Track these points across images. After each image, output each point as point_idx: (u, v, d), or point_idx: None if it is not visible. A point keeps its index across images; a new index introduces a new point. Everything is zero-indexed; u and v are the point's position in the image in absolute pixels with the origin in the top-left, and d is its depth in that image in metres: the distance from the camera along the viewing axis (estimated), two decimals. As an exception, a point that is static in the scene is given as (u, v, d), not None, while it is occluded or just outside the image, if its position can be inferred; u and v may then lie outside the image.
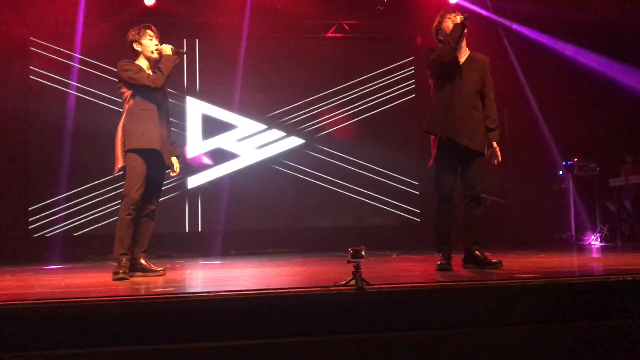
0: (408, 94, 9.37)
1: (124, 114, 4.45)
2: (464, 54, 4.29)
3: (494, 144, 4.25)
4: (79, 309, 2.79)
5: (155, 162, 4.43)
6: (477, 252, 4.15)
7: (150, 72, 4.47)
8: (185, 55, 8.65)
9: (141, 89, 4.39)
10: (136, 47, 4.51)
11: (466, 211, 4.23)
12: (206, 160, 8.56)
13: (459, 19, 4.20)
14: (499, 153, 4.26)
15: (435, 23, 4.34)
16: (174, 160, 4.62)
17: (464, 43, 4.29)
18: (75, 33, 8.42)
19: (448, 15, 4.29)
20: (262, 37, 9.04)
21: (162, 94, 4.55)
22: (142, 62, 4.51)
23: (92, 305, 2.82)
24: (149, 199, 4.51)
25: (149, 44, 4.50)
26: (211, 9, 8.63)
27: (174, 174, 4.67)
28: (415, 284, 3.17)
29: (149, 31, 4.51)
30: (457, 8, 5.42)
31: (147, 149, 4.36)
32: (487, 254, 4.18)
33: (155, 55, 4.50)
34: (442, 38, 4.27)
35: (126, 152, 4.37)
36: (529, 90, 8.85)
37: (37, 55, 8.55)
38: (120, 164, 4.41)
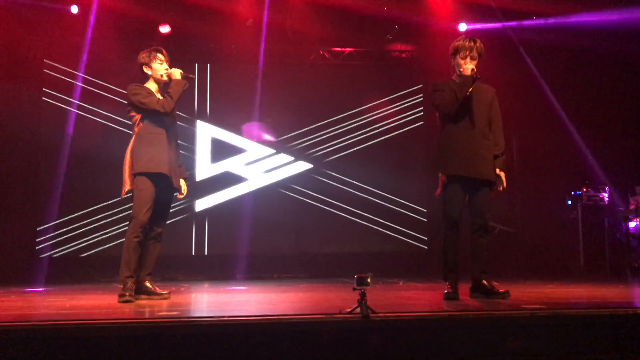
0: (417, 121, 9.40)
1: (133, 137, 4.48)
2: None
3: (498, 171, 4.23)
4: (82, 330, 2.78)
5: (163, 185, 4.45)
6: (484, 282, 4.11)
7: (159, 95, 4.51)
8: (195, 80, 8.76)
9: (150, 113, 4.42)
10: (146, 70, 4.55)
11: (474, 239, 4.21)
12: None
13: (469, 70, 4.15)
14: (504, 180, 4.25)
15: (451, 49, 4.29)
16: (181, 182, 4.64)
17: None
18: (90, 57, 8.55)
19: (463, 51, 4.19)
20: (272, 62, 9.12)
21: (171, 117, 4.58)
22: (151, 85, 4.55)
23: (96, 327, 2.81)
24: (156, 222, 4.52)
25: (159, 67, 4.53)
26: (223, 34, 8.75)
27: (181, 197, 4.68)
28: (422, 313, 3.14)
29: (159, 55, 4.55)
30: (474, 33, 5.29)
31: (155, 172, 4.39)
32: (494, 283, 4.15)
33: (165, 78, 4.54)
34: (454, 66, 4.25)
35: (135, 175, 4.39)
36: (539, 119, 8.85)
37: (51, 77, 8.67)
38: (127, 187, 4.43)
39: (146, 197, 4.37)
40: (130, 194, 4.45)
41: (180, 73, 4.53)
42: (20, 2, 7.92)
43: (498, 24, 8.53)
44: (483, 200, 4.19)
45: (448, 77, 4.34)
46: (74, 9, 8.12)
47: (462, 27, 8.68)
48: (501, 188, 4.26)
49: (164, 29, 8.44)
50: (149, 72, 4.55)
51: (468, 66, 4.17)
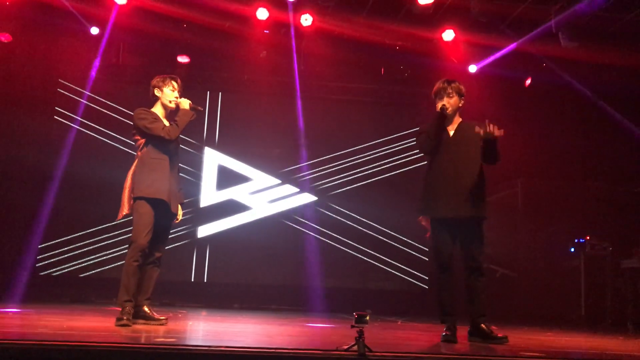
0: (421, 160, 9.42)
1: (136, 161, 4.53)
2: (454, 124, 4.29)
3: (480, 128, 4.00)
4: (78, 353, 2.77)
5: (162, 210, 4.47)
6: (483, 325, 4.07)
7: (165, 120, 4.56)
8: (206, 109, 8.89)
9: (155, 139, 4.46)
10: (157, 92, 4.62)
11: (469, 283, 4.15)
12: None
13: (438, 106, 4.20)
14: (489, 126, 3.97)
15: (433, 91, 4.34)
16: (178, 207, 4.66)
17: (456, 116, 4.28)
18: (102, 78, 8.68)
19: (441, 92, 4.24)
20: (283, 94, 9.23)
21: (175, 143, 4.62)
22: (158, 110, 4.61)
23: (92, 350, 2.80)
24: (155, 246, 4.53)
25: (170, 93, 4.60)
26: (237, 65, 8.90)
27: (177, 221, 4.69)
28: (419, 354, 3.11)
29: (173, 82, 4.63)
30: (483, 75, 5.22)
31: (154, 198, 4.41)
32: (493, 327, 4.12)
33: (172, 105, 4.60)
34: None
35: (135, 199, 4.42)
36: (545, 163, 8.88)
37: (63, 97, 8.78)
38: (125, 210, 4.46)
39: (146, 221, 4.38)
40: (127, 219, 4.48)
41: (189, 104, 4.59)
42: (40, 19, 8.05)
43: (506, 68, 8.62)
44: (474, 242, 4.15)
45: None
46: (94, 30, 8.22)
47: (472, 68, 8.79)
48: (493, 128, 3.96)
49: (183, 59, 8.57)
50: (159, 95, 4.61)
51: (439, 104, 4.23)
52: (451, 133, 4.28)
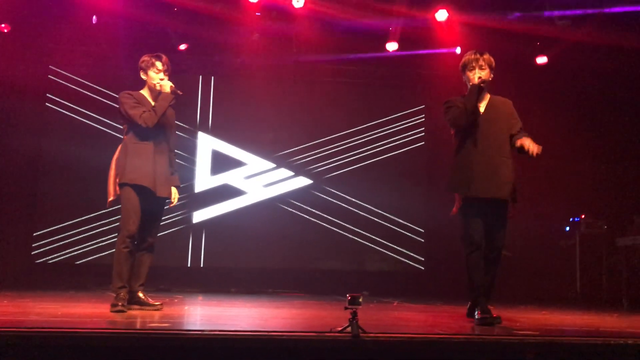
0: (418, 141, 9.43)
1: (120, 146, 4.49)
2: (483, 101, 4.20)
3: (521, 140, 4.05)
4: (72, 339, 2.77)
5: (149, 195, 4.42)
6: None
7: (153, 103, 4.49)
8: (198, 94, 8.84)
9: (135, 124, 4.40)
10: (142, 75, 4.56)
11: (486, 262, 4.10)
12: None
13: (476, 78, 4.12)
14: (530, 143, 4.04)
15: (460, 67, 4.27)
16: (173, 190, 4.61)
17: (485, 91, 4.19)
18: (97, 65, 8.61)
19: (470, 64, 4.17)
20: (276, 78, 9.17)
21: (164, 126, 4.53)
22: (145, 92, 4.56)
23: (86, 336, 2.80)
24: (147, 232, 4.51)
25: (154, 76, 4.52)
26: (229, 48, 8.80)
27: (172, 204, 4.65)
28: (413, 334, 3.12)
29: (157, 63, 4.52)
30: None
31: (136, 184, 4.36)
32: (490, 307, 4.11)
33: (158, 88, 4.52)
34: (465, 83, 4.20)
35: (120, 185, 4.39)
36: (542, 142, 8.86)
37: (55, 84, 8.71)
38: (110, 197, 4.44)
39: (132, 207, 4.36)
40: (118, 206, 4.45)
41: (170, 87, 4.49)
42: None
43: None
44: (499, 225, 4.11)
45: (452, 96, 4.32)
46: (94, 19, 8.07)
47: (459, 51, 8.71)
48: (534, 150, 4.02)
49: (182, 46, 8.48)
50: (145, 78, 4.55)
51: (475, 75, 4.13)
52: (482, 109, 4.18)
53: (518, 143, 4.10)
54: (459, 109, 4.13)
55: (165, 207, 4.68)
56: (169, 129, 4.65)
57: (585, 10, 7.70)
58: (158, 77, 4.52)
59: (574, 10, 7.73)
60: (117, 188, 4.44)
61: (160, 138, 4.51)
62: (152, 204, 4.49)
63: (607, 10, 7.59)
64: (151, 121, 4.37)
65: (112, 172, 4.47)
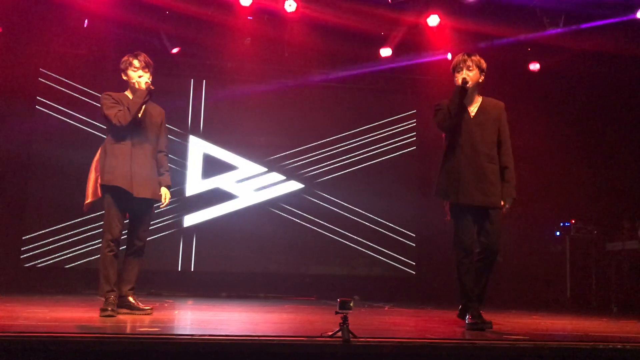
0: (409, 146, 9.45)
1: (100, 149, 4.45)
2: (475, 104, 4.15)
3: (506, 201, 4.08)
4: (61, 344, 2.75)
5: (127, 197, 4.33)
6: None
7: None
8: (190, 98, 8.82)
9: (112, 124, 4.34)
10: (123, 76, 4.50)
11: (480, 267, 4.07)
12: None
13: (461, 80, 4.06)
14: (504, 210, 4.10)
15: (450, 69, 4.23)
16: (164, 190, 4.53)
17: (475, 93, 4.15)
18: (88, 68, 8.56)
19: (460, 65, 4.11)
20: (268, 82, 9.17)
21: (145, 126, 4.44)
22: (128, 92, 4.49)
23: (74, 341, 2.78)
24: (134, 235, 4.46)
25: (133, 75, 4.44)
26: (221, 52, 8.80)
27: (163, 206, 4.56)
28: (404, 339, 3.12)
29: (134, 62, 4.45)
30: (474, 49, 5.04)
31: (112, 185, 4.31)
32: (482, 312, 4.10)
33: (137, 86, 4.42)
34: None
35: (101, 187, 4.35)
36: (532, 147, 8.91)
37: (45, 87, 8.66)
38: (87, 199, 4.41)
39: (113, 210, 4.32)
40: (100, 211, 4.41)
41: (145, 83, 4.40)
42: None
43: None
44: (494, 226, 4.03)
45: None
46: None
47: (450, 56, 8.75)
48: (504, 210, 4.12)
49: (174, 50, 8.46)
50: (126, 79, 4.48)
51: (460, 77, 4.07)
52: (472, 113, 4.12)
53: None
54: (443, 112, 4.09)
55: (153, 209, 4.59)
56: (153, 129, 4.51)
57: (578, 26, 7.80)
58: (136, 75, 4.42)
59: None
60: (99, 190, 4.40)
61: (141, 138, 4.40)
62: (134, 206, 4.41)
63: (584, 26, 7.71)
64: (124, 119, 4.28)
65: (91, 175, 4.43)
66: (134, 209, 4.44)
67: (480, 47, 8.33)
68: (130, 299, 4.47)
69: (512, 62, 8.71)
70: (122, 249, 4.51)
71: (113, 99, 4.40)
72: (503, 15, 7.96)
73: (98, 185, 4.39)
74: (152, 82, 4.47)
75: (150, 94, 4.43)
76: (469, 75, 4.09)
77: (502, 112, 4.20)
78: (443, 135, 4.24)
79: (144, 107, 4.43)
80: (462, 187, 4.02)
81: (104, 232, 4.35)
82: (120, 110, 4.32)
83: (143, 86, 4.39)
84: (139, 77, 4.42)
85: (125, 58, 4.49)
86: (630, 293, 7.86)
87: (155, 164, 4.52)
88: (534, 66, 8.71)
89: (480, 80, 4.17)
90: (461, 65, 4.12)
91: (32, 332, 2.94)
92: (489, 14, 7.93)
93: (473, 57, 4.13)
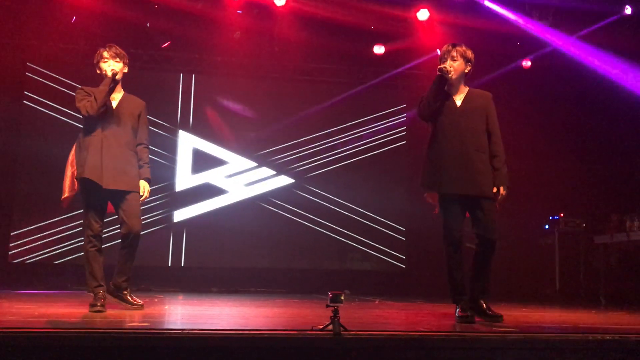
0: (399, 141, 9.46)
1: (75, 143, 4.41)
2: (461, 94, 4.10)
3: (501, 188, 4.02)
4: (49, 340, 2.73)
5: (100, 189, 4.26)
6: (482, 302, 4.00)
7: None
8: (179, 92, 8.77)
9: (83, 117, 4.31)
10: (98, 71, 4.43)
11: (480, 258, 4.03)
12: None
13: (439, 68, 3.99)
14: (499, 198, 4.04)
15: (438, 58, 4.19)
16: (142, 183, 4.46)
17: (461, 84, 4.10)
18: (76, 63, 8.48)
19: (445, 55, 4.07)
20: (257, 76, 9.15)
21: (119, 117, 4.36)
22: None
23: (63, 336, 2.76)
24: (124, 227, 4.37)
25: (104, 66, 4.37)
26: (210, 46, 8.76)
27: (142, 199, 4.46)
28: (394, 332, 3.13)
29: (104, 53, 4.38)
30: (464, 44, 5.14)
31: (82, 178, 4.26)
32: (490, 305, 4.04)
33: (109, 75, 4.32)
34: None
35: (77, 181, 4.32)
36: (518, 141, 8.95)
37: (33, 81, 8.58)
38: (64, 194, 4.38)
39: (90, 204, 4.29)
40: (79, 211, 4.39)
41: (112, 70, 4.30)
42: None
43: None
44: (487, 216, 3.96)
45: None
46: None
47: (440, 51, 8.77)
48: (498, 205, 4.06)
49: (164, 44, 8.41)
50: (99, 72, 4.40)
51: (440, 67, 4.01)
52: (458, 103, 4.06)
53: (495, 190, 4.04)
54: (423, 102, 4.06)
55: (137, 201, 4.41)
56: (129, 121, 4.42)
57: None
58: (107, 66, 4.34)
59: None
60: (76, 185, 4.36)
61: (113, 129, 4.32)
62: (112, 199, 4.34)
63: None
64: (92, 109, 4.20)
65: (67, 170, 4.40)
66: (114, 201, 4.38)
67: (470, 42, 8.34)
68: (125, 291, 4.46)
69: (502, 56, 8.74)
70: (117, 242, 4.47)
71: (85, 92, 4.34)
72: (492, 9, 7.98)
73: (75, 179, 4.36)
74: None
75: (115, 80, 4.33)
76: (453, 65, 4.04)
77: (490, 101, 4.15)
78: (430, 129, 4.19)
79: (118, 98, 4.40)
80: (446, 177, 3.96)
81: (83, 227, 4.32)
82: (89, 101, 4.26)
83: (109, 74, 4.29)
84: (109, 66, 4.33)
85: (97, 53, 4.42)
86: (618, 285, 7.94)
87: (132, 156, 4.42)
88: (526, 63, 8.76)
89: (467, 71, 4.12)
90: (445, 56, 4.08)
91: (21, 327, 2.92)
92: (478, 8, 7.94)
93: (458, 48, 4.09)
